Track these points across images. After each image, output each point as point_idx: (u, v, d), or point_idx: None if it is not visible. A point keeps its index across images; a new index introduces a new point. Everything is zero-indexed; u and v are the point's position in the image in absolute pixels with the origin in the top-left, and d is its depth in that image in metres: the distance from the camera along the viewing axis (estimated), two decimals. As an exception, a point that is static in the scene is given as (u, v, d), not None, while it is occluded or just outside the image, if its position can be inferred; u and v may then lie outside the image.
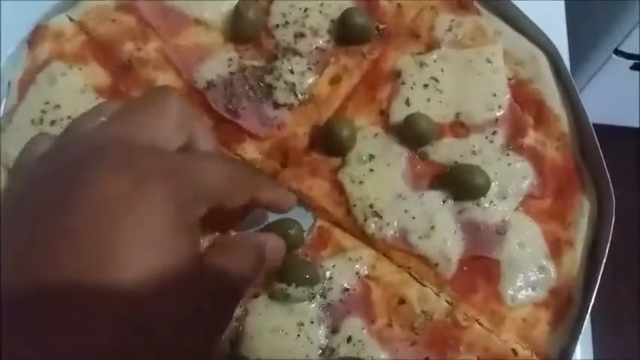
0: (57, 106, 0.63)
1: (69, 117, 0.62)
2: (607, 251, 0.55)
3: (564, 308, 0.56)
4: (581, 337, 0.54)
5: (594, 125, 0.60)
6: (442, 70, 0.65)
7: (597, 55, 1.35)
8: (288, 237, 0.54)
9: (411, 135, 0.62)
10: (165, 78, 0.66)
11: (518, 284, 0.56)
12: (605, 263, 0.55)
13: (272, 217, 0.57)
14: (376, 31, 0.68)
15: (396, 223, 0.59)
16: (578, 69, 1.40)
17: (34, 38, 0.66)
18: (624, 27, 1.25)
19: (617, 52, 1.34)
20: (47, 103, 0.63)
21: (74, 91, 0.64)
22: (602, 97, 1.38)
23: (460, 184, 0.59)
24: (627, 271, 1.48)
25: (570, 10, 0.73)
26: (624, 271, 1.44)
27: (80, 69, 0.65)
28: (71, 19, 0.67)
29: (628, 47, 1.31)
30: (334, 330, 0.55)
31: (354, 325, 0.55)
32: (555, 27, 0.71)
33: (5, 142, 0.62)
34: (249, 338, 0.54)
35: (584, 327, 0.54)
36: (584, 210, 0.59)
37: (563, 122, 0.62)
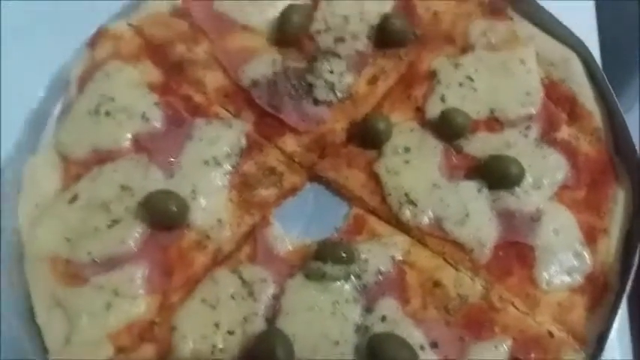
0: (111, 99, 0.70)
1: (123, 108, 0.68)
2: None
3: (601, 294, 0.58)
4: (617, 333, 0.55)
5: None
6: (476, 71, 0.71)
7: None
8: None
9: (447, 128, 0.67)
10: (213, 76, 0.73)
11: (554, 269, 0.59)
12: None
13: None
14: (413, 36, 0.74)
15: (430, 211, 0.63)
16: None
17: (95, 40, 0.74)
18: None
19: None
20: (103, 95, 0.70)
21: (128, 86, 0.71)
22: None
23: (495, 174, 0.63)
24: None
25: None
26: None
27: (135, 67, 0.72)
28: (129, 25, 0.75)
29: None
30: (369, 309, 0.58)
31: (388, 305, 0.58)
32: (585, 27, 0.75)
33: (62, 132, 0.69)
34: (285, 315, 0.57)
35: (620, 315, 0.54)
36: (618, 200, 0.62)
37: (597, 118, 0.66)
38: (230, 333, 0.57)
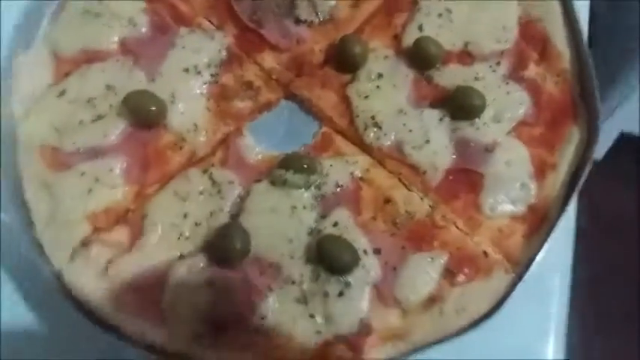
0: (102, 1, 0.73)
1: (113, 11, 0.72)
2: (585, 175, 0.61)
3: (539, 224, 0.63)
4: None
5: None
6: (457, 2, 0.72)
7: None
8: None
9: (420, 57, 0.70)
10: (199, -15, 0.75)
11: (499, 197, 0.64)
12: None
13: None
14: (399, -38, 0.75)
15: (393, 135, 0.68)
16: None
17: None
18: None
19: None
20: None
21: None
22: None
23: (458, 104, 0.67)
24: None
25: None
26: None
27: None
28: None
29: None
30: (323, 216, 0.64)
31: (341, 214, 0.64)
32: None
33: (55, 30, 0.73)
34: (247, 213, 0.64)
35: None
36: (572, 139, 0.65)
37: (565, 59, 0.69)
38: (197, 224, 0.64)
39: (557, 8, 0.70)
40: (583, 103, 0.67)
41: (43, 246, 0.64)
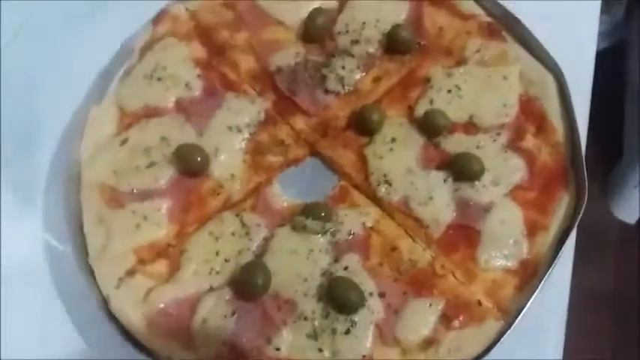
0: (164, 68, 0.88)
1: (172, 75, 0.86)
2: (573, 236, 0.68)
3: (530, 278, 0.70)
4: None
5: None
6: (465, 81, 0.84)
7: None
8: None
9: (429, 126, 0.81)
10: (246, 60, 0.90)
11: (494, 253, 0.72)
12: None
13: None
14: (417, 46, 0.88)
15: (402, 191, 0.77)
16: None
17: (158, 19, 0.92)
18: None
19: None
20: (158, 64, 0.88)
21: (178, 59, 0.89)
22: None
23: (459, 168, 0.76)
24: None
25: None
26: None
27: (186, 45, 0.90)
28: (187, 9, 0.93)
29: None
30: (336, 260, 0.73)
31: (352, 259, 0.73)
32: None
33: (123, 88, 0.87)
34: (270, 253, 0.74)
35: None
36: (563, 203, 0.73)
37: (559, 133, 0.78)
38: (226, 261, 0.74)
39: (553, 89, 0.80)
40: (573, 172, 0.75)
41: (95, 273, 0.75)
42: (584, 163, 0.74)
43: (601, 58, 0.91)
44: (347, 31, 0.90)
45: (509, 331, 0.66)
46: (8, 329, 0.76)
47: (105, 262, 0.75)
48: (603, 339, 1.57)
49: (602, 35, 0.93)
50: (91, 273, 0.74)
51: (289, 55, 0.89)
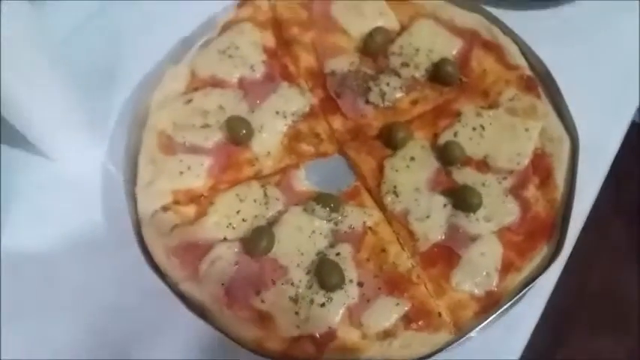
0: (237, 47, 1.02)
1: (242, 56, 1.00)
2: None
3: (490, 308, 0.79)
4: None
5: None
6: (490, 124, 0.93)
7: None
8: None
9: (446, 155, 0.91)
10: (307, 57, 1.02)
11: (466, 277, 0.81)
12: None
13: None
14: (459, 81, 0.98)
15: (405, 204, 0.88)
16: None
17: (242, 3, 1.06)
18: None
19: None
20: (232, 43, 1.02)
21: (250, 43, 1.03)
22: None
23: (461, 198, 0.86)
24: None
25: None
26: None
27: (260, 32, 1.04)
28: (269, 1, 1.06)
29: None
30: (332, 245, 0.86)
31: (345, 248, 0.85)
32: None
33: (198, 57, 1.02)
34: (280, 225, 0.87)
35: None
36: (541, 253, 0.81)
37: (559, 192, 0.86)
38: (244, 220, 0.87)
39: (567, 150, 0.88)
40: (559, 230, 0.83)
41: (137, 201, 0.90)
42: (570, 224, 0.82)
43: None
44: (400, 54, 1.01)
45: (454, 344, 0.76)
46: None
47: (147, 194, 0.90)
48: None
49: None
50: (133, 200, 0.90)
51: (345, 62, 1.01)
